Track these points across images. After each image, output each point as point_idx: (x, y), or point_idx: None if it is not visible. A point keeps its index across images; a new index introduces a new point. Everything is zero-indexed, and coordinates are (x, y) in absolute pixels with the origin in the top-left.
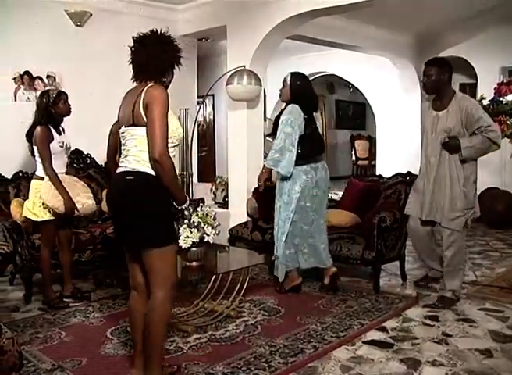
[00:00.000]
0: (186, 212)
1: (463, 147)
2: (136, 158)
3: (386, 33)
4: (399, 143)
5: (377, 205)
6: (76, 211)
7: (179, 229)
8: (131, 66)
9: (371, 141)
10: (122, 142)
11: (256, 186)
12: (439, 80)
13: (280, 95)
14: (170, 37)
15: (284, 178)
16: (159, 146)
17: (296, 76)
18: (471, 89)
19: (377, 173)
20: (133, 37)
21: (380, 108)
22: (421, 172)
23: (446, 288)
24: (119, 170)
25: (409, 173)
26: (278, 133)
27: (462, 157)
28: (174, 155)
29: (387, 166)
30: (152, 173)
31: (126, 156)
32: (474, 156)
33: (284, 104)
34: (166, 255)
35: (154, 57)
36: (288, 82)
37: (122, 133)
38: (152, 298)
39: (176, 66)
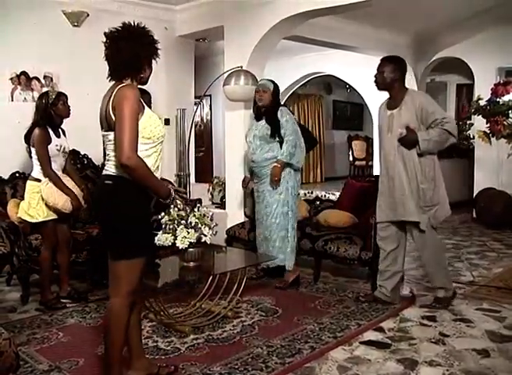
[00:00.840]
0: (179, 202)
1: (420, 140)
2: (114, 163)
3: (384, 33)
4: None
5: (374, 205)
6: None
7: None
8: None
9: (369, 142)
10: (104, 146)
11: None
12: (389, 78)
13: (260, 100)
14: (144, 28)
15: (288, 174)
16: (125, 150)
17: (274, 82)
18: (467, 90)
19: (374, 174)
20: (104, 33)
21: (377, 109)
22: (381, 173)
23: (436, 287)
24: (102, 174)
25: None
26: (289, 131)
27: (420, 150)
28: (152, 155)
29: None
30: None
31: (108, 160)
32: (432, 149)
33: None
34: (132, 267)
35: (128, 52)
36: (271, 88)
37: (103, 136)
38: (111, 302)
39: (153, 60)
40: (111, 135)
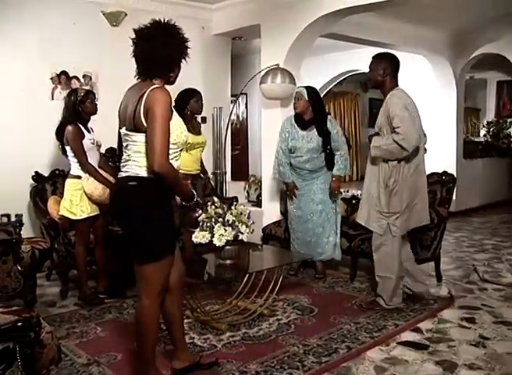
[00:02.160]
0: (200, 202)
1: (372, 145)
2: (138, 163)
3: (421, 30)
4: (433, 141)
5: None
6: None
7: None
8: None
9: None
10: (124, 144)
11: None
12: (379, 75)
13: (296, 108)
14: (175, 26)
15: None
16: (158, 157)
17: (311, 89)
18: (508, 87)
19: None
20: (133, 29)
21: None
22: None
23: (377, 294)
24: (120, 175)
25: (445, 173)
26: (340, 143)
27: (371, 155)
28: (177, 159)
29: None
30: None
31: (127, 160)
32: (383, 156)
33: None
34: (161, 268)
35: (157, 51)
36: (305, 95)
37: (124, 135)
38: (139, 302)
39: (183, 59)
40: (136, 136)
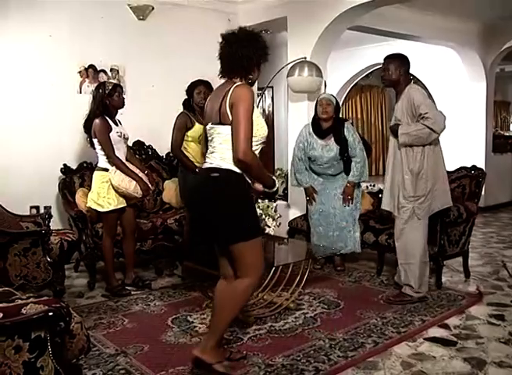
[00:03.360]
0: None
1: (400, 133)
2: (221, 155)
3: (450, 21)
4: (462, 135)
5: None
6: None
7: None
8: (219, 61)
9: None
10: (209, 138)
11: None
12: (395, 75)
13: (325, 113)
14: (258, 34)
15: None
16: (242, 146)
17: (334, 97)
18: None
19: None
20: (221, 34)
21: (443, 100)
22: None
23: (402, 283)
24: (204, 166)
25: (474, 167)
26: (357, 151)
27: (399, 143)
28: (258, 152)
29: (451, 159)
30: (236, 170)
31: (212, 153)
32: (412, 143)
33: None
34: (252, 247)
35: (240, 54)
36: (334, 102)
37: (209, 129)
38: (239, 281)
39: (262, 63)
40: (220, 128)
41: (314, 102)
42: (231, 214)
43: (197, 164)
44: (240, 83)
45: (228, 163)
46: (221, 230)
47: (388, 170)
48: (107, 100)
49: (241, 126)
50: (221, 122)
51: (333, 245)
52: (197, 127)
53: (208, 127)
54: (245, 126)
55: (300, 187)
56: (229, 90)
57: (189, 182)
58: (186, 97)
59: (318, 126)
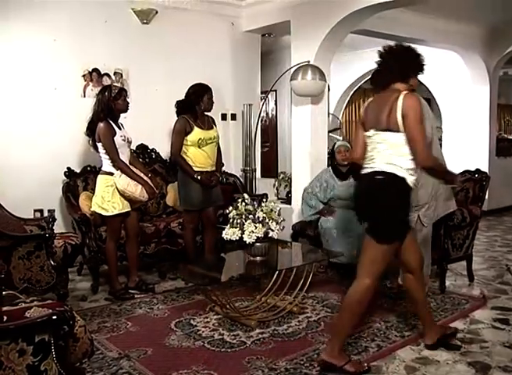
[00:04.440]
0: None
1: None
2: (386, 160)
3: (453, 25)
4: (466, 139)
5: None
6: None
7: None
8: (375, 73)
9: None
10: (370, 143)
11: None
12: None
13: (345, 160)
14: (413, 50)
15: None
16: (423, 155)
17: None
18: None
19: None
20: (378, 51)
21: (446, 104)
22: None
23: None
24: (366, 170)
25: (477, 170)
26: None
27: None
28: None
29: (454, 162)
30: (400, 174)
31: (375, 158)
32: None
33: None
34: (387, 251)
35: (401, 62)
36: (350, 147)
37: (372, 135)
38: (360, 284)
39: (419, 74)
40: (387, 134)
41: (318, 106)
42: (388, 214)
43: (196, 169)
44: (406, 92)
45: (393, 168)
46: (375, 226)
47: None
48: (112, 103)
49: (418, 136)
50: (388, 129)
51: (347, 251)
52: (197, 132)
53: (370, 133)
54: (421, 135)
55: (316, 214)
56: (398, 98)
57: (355, 189)
58: (187, 100)
59: (339, 170)
